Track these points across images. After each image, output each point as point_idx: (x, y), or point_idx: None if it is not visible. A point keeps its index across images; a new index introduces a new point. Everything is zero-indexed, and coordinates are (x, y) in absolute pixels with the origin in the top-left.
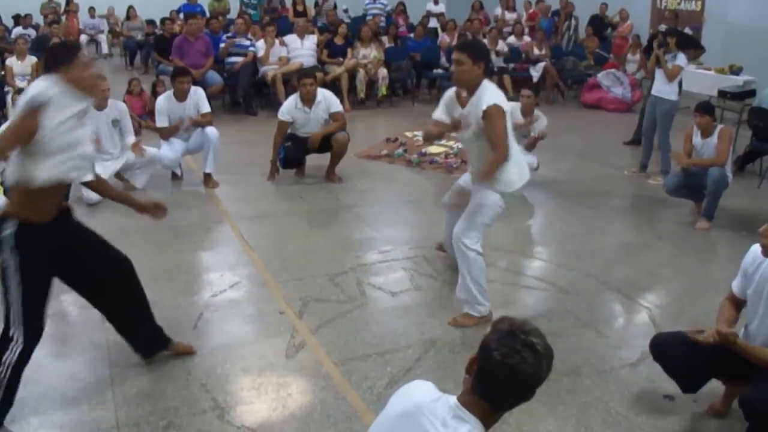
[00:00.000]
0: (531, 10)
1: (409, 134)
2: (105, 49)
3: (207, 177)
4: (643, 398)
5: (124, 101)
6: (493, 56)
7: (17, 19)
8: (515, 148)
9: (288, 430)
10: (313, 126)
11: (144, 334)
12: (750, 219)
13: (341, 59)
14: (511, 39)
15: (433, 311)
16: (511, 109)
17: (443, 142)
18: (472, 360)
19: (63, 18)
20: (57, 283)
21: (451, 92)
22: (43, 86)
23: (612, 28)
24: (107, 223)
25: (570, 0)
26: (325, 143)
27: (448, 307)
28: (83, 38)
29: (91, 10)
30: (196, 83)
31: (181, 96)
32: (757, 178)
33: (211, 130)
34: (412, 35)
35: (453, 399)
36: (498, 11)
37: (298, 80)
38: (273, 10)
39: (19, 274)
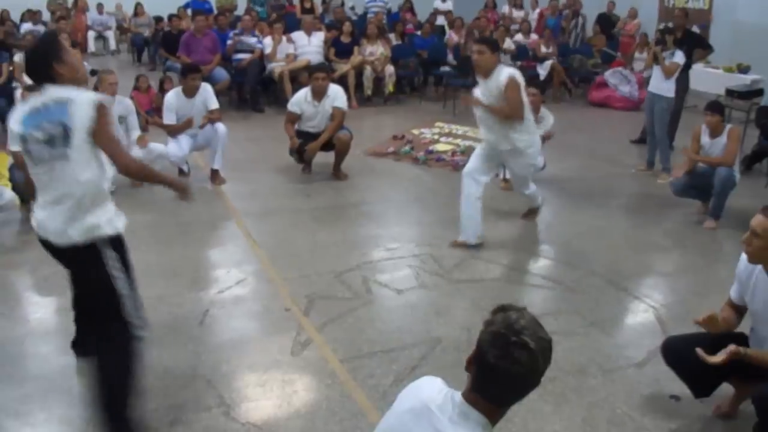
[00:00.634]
0: (539, 9)
1: (416, 131)
2: (113, 45)
3: (214, 173)
4: (649, 398)
5: (132, 97)
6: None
7: (23, 16)
8: (532, 122)
9: (293, 427)
10: (320, 120)
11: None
12: None
13: (346, 60)
14: (519, 37)
15: (439, 309)
16: None
17: (450, 139)
18: (469, 359)
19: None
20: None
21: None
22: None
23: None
24: None
25: None
26: (328, 142)
27: (453, 305)
28: (91, 34)
29: (99, 7)
30: (203, 80)
31: (190, 92)
32: (764, 177)
33: (220, 127)
34: (419, 33)
35: (458, 395)
36: (505, 9)
37: (311, 74)
38: (280, 7)
39: (123, 271)
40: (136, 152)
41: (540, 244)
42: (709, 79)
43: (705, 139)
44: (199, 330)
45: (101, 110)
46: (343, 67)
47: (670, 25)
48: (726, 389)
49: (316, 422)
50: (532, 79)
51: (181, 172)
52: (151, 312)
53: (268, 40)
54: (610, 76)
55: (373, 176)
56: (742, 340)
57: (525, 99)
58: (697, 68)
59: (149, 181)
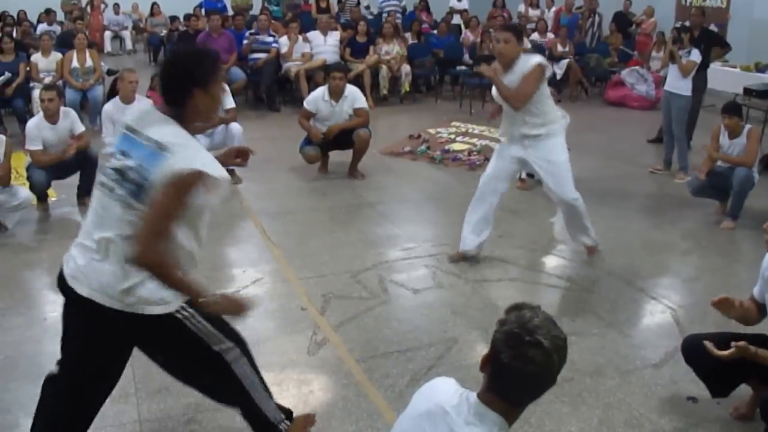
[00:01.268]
0: (555, 8)
1: (432, 131)
2: (129, 45)
3: (230, 173)
4: (666, 399)
5: (148, 96)
6: None
7: (40, 17)
8: (550, 114)
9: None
10: (337, 120)
11: None
12: None
13: (362, 59)
14: (534, 36)
15: (455, 309)
16: None
17: (466, 139)
18: (484, 359)
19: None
20: None
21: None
22: None
23: (636, 25)
24: None
25: None
26: (346, 139)
27: (470, 305)
28: (108, 34)
29: (116, 7)
30: None
31: None
32: None
33: (235, 126)
34: (435, 32)
35: (473, 396)
36: (521, 8)
37: (328, 74)
38: (296, 7)
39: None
40: None
41: (557, 244)
42: (726, 77)
43: (724, 139)
44: None
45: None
46: (358, 66)
47: (687, 23)
48: (744, 391)
49: (332, 422)
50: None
51: None
52: None
53: (283, 40)
54: (626, 75)
55: (389, 176)
56: (763, 341)
57: (546, 91)
58: (715, 67)
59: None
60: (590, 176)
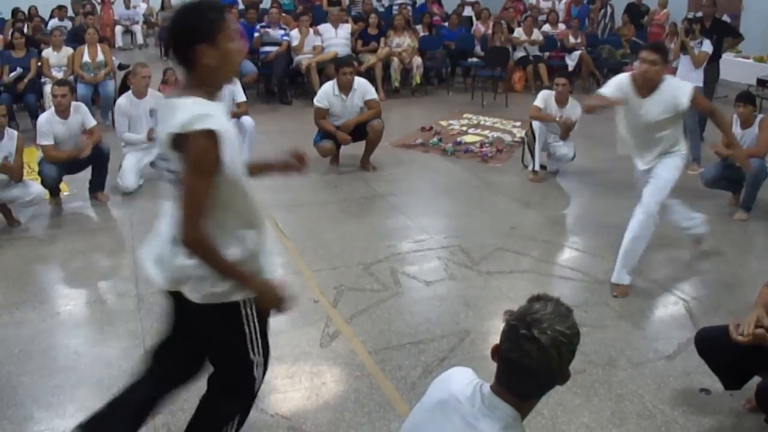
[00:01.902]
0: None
1: (443, 123)
2: (140, 39)
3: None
4: (679, 391)
5: (160, 90)
6: (527, 45)
7: (52, 13)
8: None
9: (322, 419)
10: (349, 116)
11: None
12: None
13: (375, 44)
14: (546, 27)
15: (467, 301)
16: (546, 97)
17: (478, 131)
18: (493, 349)
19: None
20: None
21: (626, 78)
22: None
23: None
24: (143, 212)
25: None
26: (360, 131)
27: (482, 297)
28: (118, 29)
29: (126, 1)
30: None
31: None
32: None
33: (247, 120)
34: (446, 24)
35: (487, 387)
36: None
37: (337, 68)
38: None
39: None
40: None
41: (569, 236)
42: (739, 68)
43: (736, 129)
44: None
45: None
46: (370, 58)
47: (699, 14)
48: (755, 381)
49: (345, 414)
50: (560, 69)
51: None
52: None
53: (295, 33)
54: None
55: (401, 168)
56: None
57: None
58: (728, 58)
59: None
60: (603, 167)
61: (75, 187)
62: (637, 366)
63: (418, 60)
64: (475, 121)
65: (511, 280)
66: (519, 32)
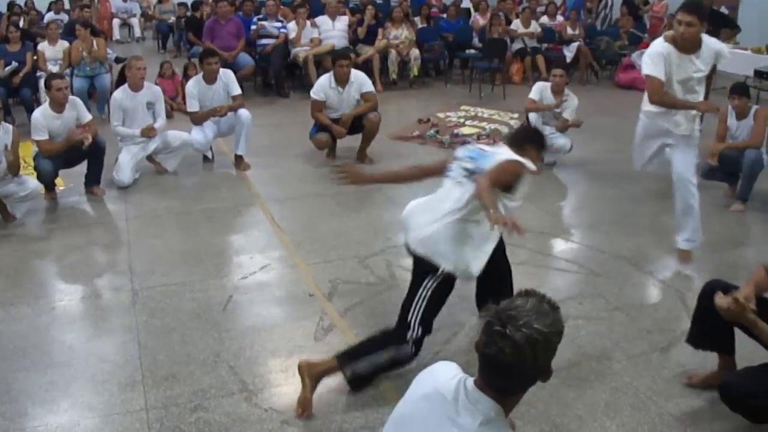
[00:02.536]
0: None
1: (441, 115)
2: (137, 32)
3: (238, 159)
4: (673, 383)
5: (157, 84)
6: (525, 37)
7: (50, 6)
8: None
9: (315, 412)
10: (346, 108)
11: None
12: None
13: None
14: (544, 19)
15: (462, 294)
16: (541, 89)
17: (476, 123)
18: (476, 343)
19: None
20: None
21: (661, 45)
22: None
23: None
24: (138, 206)
25: None
26: (356, 124)
27: None
28: (116, 22)
29: None
30: (227, 66)
31: (210, 78)
32: None
33: (244, 113)
34: (444, 16)
35: (470, 382)
36: None
37: (334, 61)
38: None
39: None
40: (155, 140)
41: (565, 228)
42: (737, 60)
43: (731, 120)
44: (223, 316)
45: None
46: (367, 50)
47: None
48: (711, 362)
49: (338, 407)
50: (558, 61)
51: (205, 158)
52: (175, 298)
53: (292, 25)
54: (637, 57)
55: (398, 160)
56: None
57: None
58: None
59: None
60: (600, 159)
61: (71, 181)
62: (631, 358)
63: (415, 52)
64: (473, 113)
65: None
66: (517, 24)
